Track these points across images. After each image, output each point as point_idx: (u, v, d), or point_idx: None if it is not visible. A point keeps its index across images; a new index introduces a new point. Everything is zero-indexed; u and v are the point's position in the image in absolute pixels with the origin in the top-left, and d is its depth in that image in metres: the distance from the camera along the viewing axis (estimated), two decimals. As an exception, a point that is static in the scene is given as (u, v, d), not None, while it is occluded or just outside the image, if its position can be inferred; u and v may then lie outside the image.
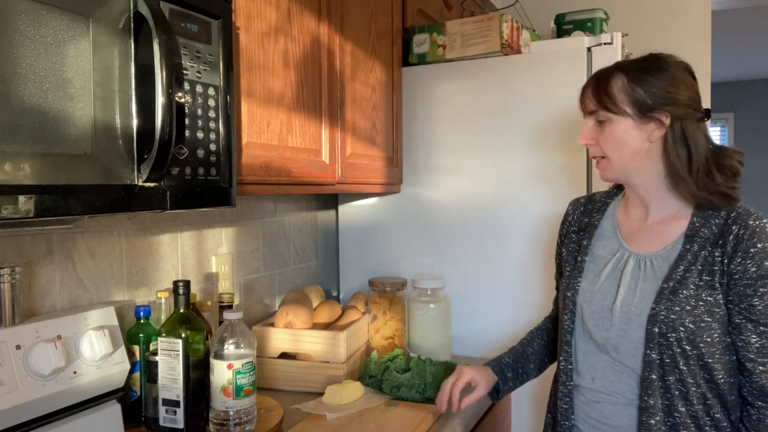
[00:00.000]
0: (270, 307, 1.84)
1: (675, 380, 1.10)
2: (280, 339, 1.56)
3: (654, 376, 1.11)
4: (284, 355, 1.56)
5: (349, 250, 2.12)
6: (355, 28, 1.66)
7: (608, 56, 1.69)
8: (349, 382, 1.47)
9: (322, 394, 1.45)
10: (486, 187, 1.89)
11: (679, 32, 2.77)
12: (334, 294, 2.19)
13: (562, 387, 1.24)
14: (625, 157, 1.17)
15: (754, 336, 1.08)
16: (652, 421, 1.11)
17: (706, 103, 2.74)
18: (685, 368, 1.09)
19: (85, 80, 0.82)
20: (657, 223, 1.20)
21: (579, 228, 1.32)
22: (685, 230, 1.15)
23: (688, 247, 1.13)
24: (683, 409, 1.10)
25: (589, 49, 1.75)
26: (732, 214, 1.12)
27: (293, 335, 1.56)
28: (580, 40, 1.79)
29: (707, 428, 1.10)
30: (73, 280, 1.23)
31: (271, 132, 1.30)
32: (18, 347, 1.00)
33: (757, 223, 1.10)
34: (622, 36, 1.78)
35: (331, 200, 2.16)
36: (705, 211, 1.14)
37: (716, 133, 6.77)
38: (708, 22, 2.72)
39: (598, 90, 1.18)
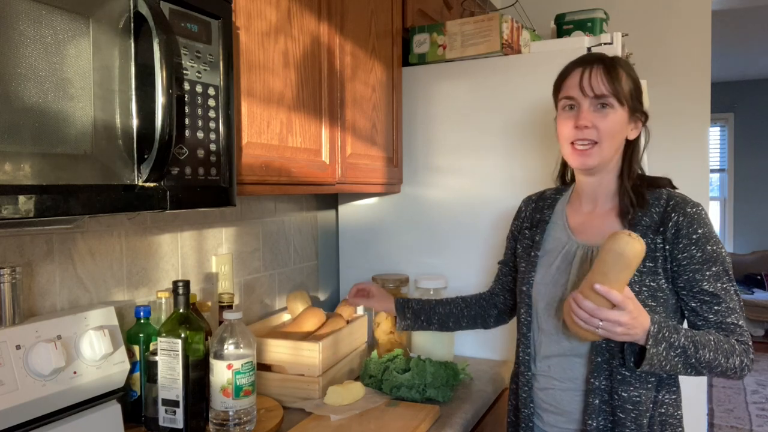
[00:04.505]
0: (270, 306, 1.84)
1: (618, 364, 1.16)
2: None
3: (600, 359, 1.17)
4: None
5: (349, 250, 2.12)
6: (355, 28, 1.66)
7: (608, 56, 1.69)
8: (350, 382, 1.47)
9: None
10: (486, 187, 1.89)
11: (679, 32, 2.77)
12: (335, 294, 2.19)
13: (521, 377, 1.31)
14: (613, 147, 1.22)
15: (711, 315, 1.16)
16: (597, 401, 1.18)
17: (706, 103, 2.78)
18: (628, 351, 1.15)
19: (85, 80, 0.82)
20: (601, 215, 1.27)
21: (531, 224, 1.38)
22: (628, 220, 1.21)
23: None
24: (624, 395, 1.16)
25: (589, 49, 1.74)
26: (671, 203, 1.19)
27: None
28: (580, 40, 1.79)
29: (645, 413, 1.16)
30: (73, 280, 1.23)
31: (271, 132, 1.30)
32: (18, 347, 1.00)
33: (695, 210, 1.17)
34: (622, 36, 1.79)
35: (331, 200, 2.16)
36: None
37: (716, 133, 6.77)
38: (708, 22, 2.73)
39: (611, 74, 1.18)
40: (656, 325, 1.08)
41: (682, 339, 1.10)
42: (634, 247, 1.05)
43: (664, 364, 1.10)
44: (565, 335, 1.23)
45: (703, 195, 2.71)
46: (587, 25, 2.05)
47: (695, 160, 2.75)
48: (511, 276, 1.48)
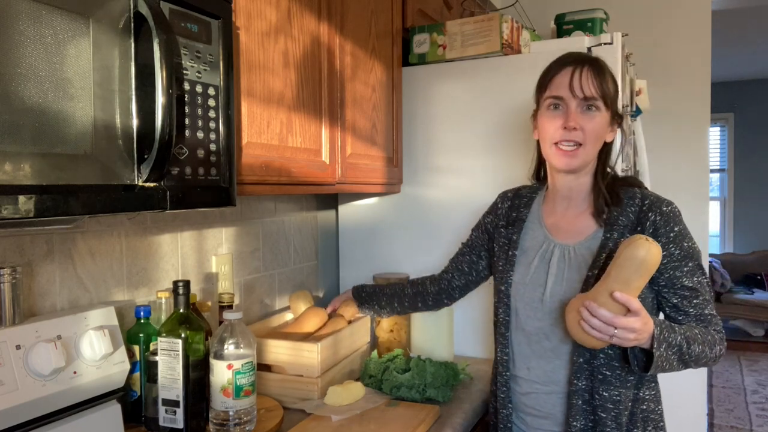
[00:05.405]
0: (270, 307, 1.84)
1: (599, 364, 1.17)
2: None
3: (581, 360, 1.18)
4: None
5: (349, 250, 2.12)
6: (355, 28, 1.66)
7: (608, 56, 1.69)
8: (350, 382, 1.47)
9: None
10: (486, 187, 1.89)
11: (679, 32, 2.77)
12: (335, 295, 2.18)
13: (499, 377, 1.30)
14: (596, 149, 1.23)
15: (691, 309, 1.18)
16: (579, 402, 1.17)
17: (706, 103, 2.78)
18: (609, 351, 1.17)
19: (85, 80, 0.82)
20: (575, 215, 1.27)
21: (507, 222, 1.37)
22: (604, 219, 1.21)
23: (608, 235, 1.19)
24: (605, 394, 1.17)
25: (589, 49, 1.74)
26: (646, 202, 1.20)
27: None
28: (580, 40, 1.79)
29: (624, 411, 1.17)
30: (73, 280, 1.23)
31: (271, 132, 1.30)
32: (18, 347, 1.00)
33: (670, 209, 1.19)
34: (622, 36, 1.79)
35: (331, 200, 2.16)
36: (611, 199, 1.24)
37: (716, 133, 6.77)
38: (708, 22, 2.73)
39: (599, 77, 1.19)
40: (658, 327, 1.09)
41: (678, 337, 1.11)
42: (654, 253, 1.05)
43: (665, 364, 1.11)
44: (545, 335, 1.22)
45: (703, 195, 2.71)
46: (587, 25, 2.05)
47: (695, 160, 2.75)
48: (468, 258, 1.50)
